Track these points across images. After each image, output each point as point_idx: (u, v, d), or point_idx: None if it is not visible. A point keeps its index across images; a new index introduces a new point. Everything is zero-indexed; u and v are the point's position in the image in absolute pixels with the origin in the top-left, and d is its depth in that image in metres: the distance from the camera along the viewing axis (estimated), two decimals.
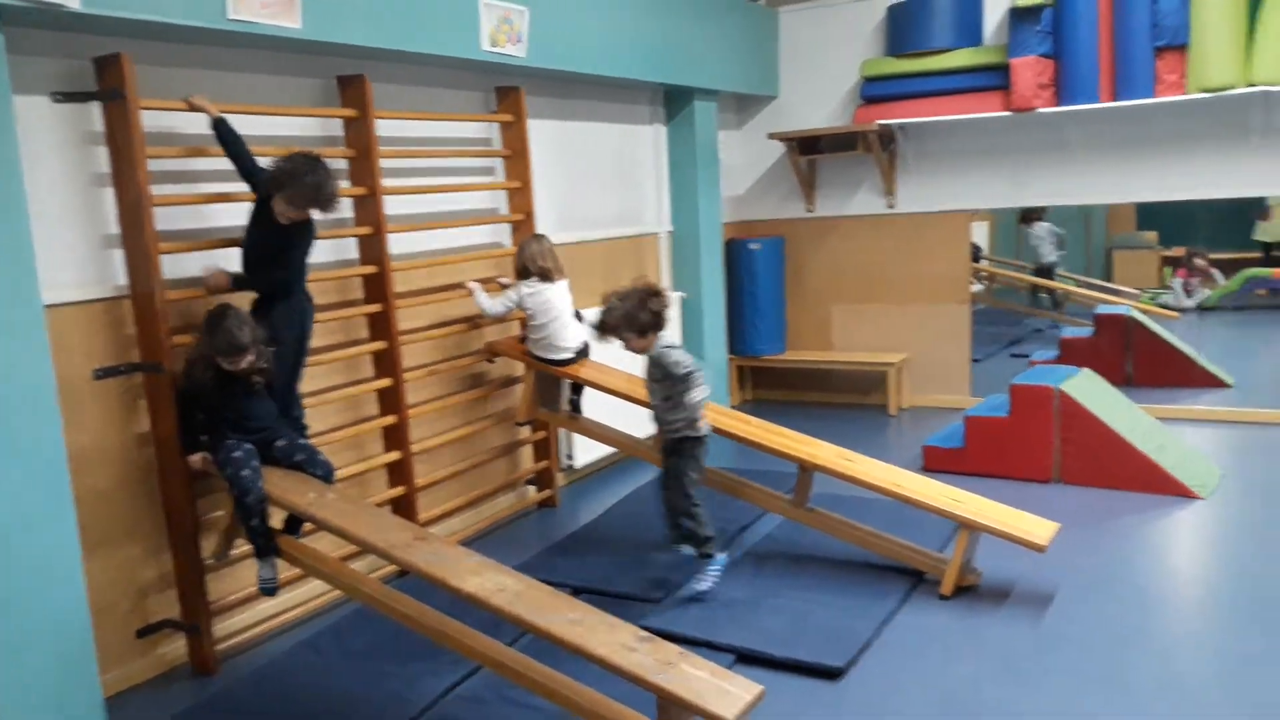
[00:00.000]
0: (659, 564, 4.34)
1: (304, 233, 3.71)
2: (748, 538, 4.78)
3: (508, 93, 5.11)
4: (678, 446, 4.02)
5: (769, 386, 7.72)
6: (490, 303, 4.74)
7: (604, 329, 4.00)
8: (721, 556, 4.07)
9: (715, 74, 6.52)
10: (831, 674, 3.41)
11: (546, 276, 4.69)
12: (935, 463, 5.63)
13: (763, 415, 4.99)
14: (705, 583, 3.99)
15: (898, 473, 4.34)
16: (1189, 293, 10.15)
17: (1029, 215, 10.20)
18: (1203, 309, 10.58)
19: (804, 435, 4.54)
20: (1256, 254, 11.71)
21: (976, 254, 10.37)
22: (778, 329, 7.47)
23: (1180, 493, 5.02)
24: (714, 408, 4.82)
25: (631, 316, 3.91)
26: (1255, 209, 11.50)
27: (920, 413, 7.07)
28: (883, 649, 3.61)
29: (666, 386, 3.98)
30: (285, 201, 3.56)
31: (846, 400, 7.48)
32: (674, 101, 6.60)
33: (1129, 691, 3.24)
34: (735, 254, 7.30)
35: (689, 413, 3.97)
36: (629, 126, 6.40)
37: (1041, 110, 6.34)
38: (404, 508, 4.49)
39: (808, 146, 7.15)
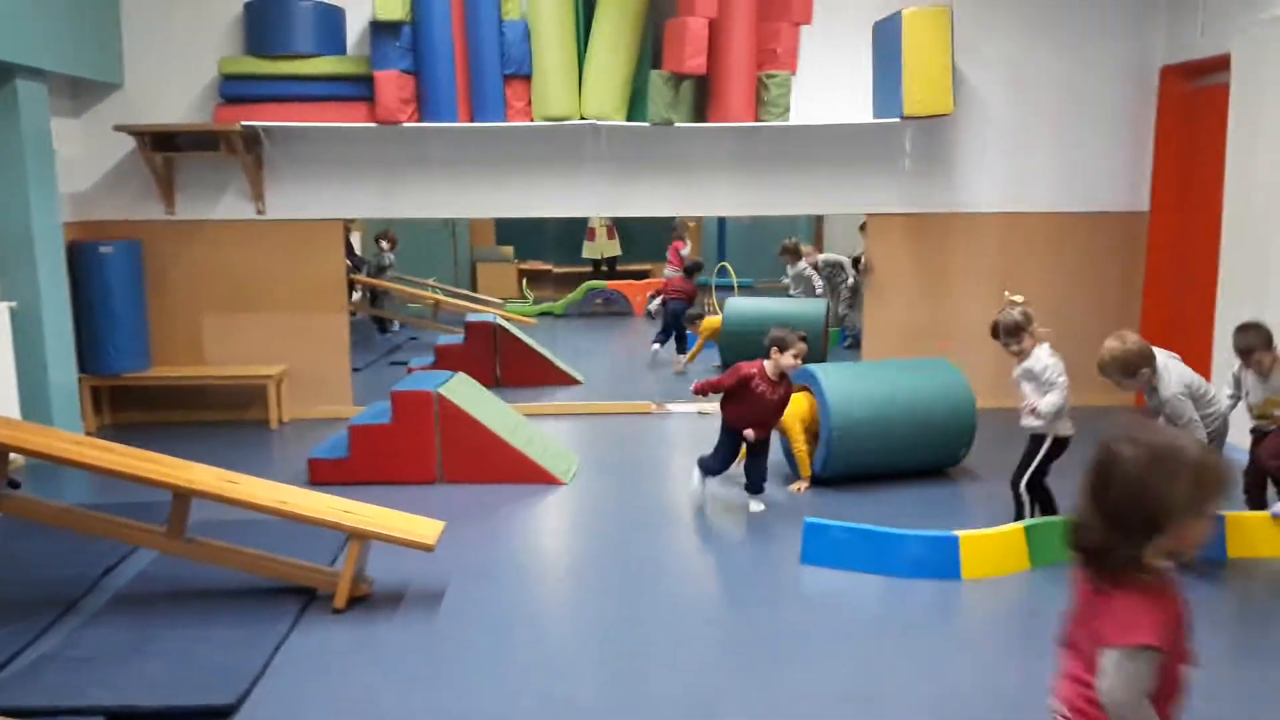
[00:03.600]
0: None
1: None
2: (114, 581, 4.19)
3: None
4: None
5: (132, 408, 6.92)
6: None
7: None
8: None
9: (40, 52, 5.64)
10: (222, 713, 3.12)
11: None
12: (321, 475, 5.51)
13: (127, 440, 4.45)
14: None
15: (283, 489, 4.14)
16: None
17: (380, 237, 10.61)
18: (554, 315, 11.87)
19: (177, 459, 4.12)
20: (590, 269, 13.50)
21: (360, 264, 10.48)
22: (139, 343, 6.72)
23: (548, 480, 5.54)
24: (65, 436, 4.17)
25: None
26: (583, 230, 13.25)
27: (303, 425, 6.87)
28: (278, 675, 3.40)
29: None
30: None
31: (223, 417, 7.00)
32: None
33: (517, 672, 3.46)
34: (81, 258, 6.41)
35: None
36: None
37: (406, 125, 6.55)
38: None
39: (162, 143, 6.55)
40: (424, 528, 4.07)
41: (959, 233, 7.17)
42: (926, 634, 3.75)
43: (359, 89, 6.54)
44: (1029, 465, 4.38)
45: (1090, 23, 6.99)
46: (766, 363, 4.83)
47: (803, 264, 9.69)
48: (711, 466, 5.05)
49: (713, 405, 7.31)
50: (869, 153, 7.01)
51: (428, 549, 3.97)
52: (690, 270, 9.70)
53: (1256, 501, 4.51)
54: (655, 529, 4.93)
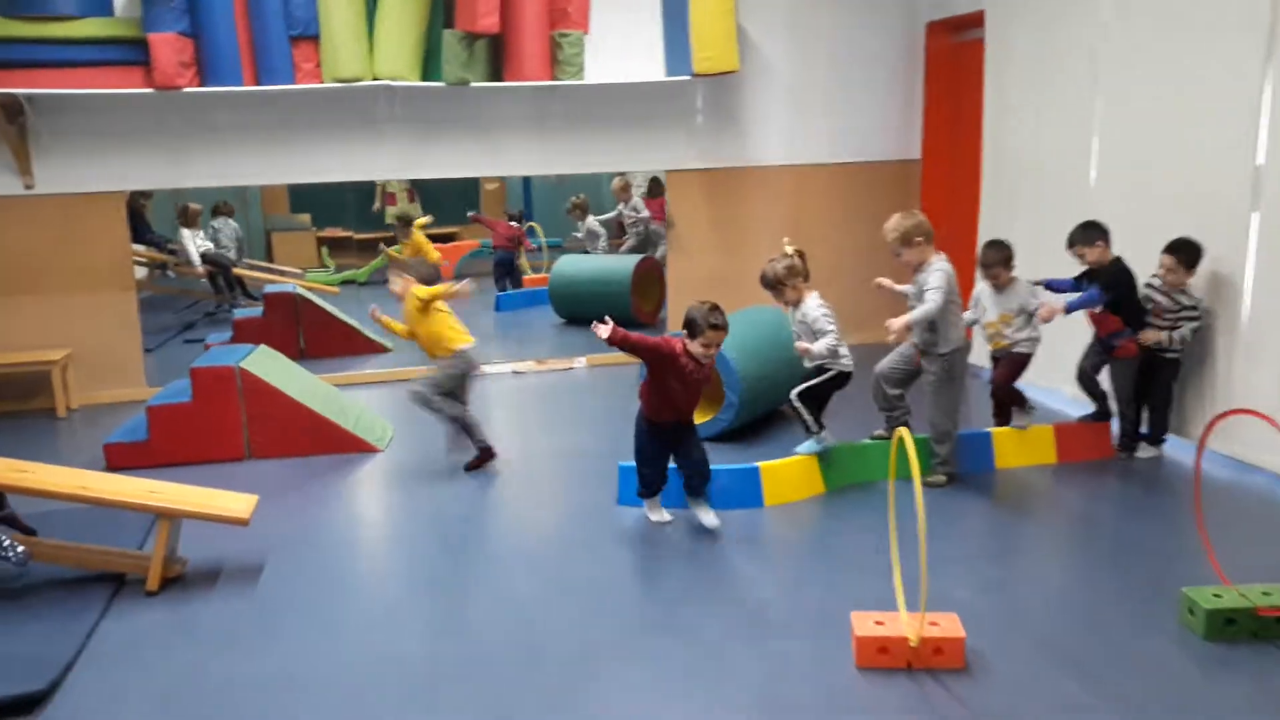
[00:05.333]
0: None
1: None
2: None
3: None
4: None
5: None
6: None
7: None
8: None
9: None
10: (33, 702, 3.03)
11: None
12: (120, 460, 5.28)
13: None
14: None
15: (83, 474, 3.99)
16: None
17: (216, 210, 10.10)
18: (358, 283, 11.63)
19: None
20: (392, 234, 13.18)
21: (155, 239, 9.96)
22: None
23: (364, 449, 5.51)
24: None
25: None
26: (386, 196, 12.96)
27: (94, 411, 6.53)
28: (93, 661, 3.31)
29: None
30: None
31: (5, 408, 6.54)
32: None
33: (344, 633, 3.50)
34: None
35: None
36: None
37: (188, 90, 6.25)
38: None
39: None
40: (236, 503, 4.01)
41: (752, 186, 7.51)
42: (734, 558, 4.02)
43: (132, 53, 6.17)
44: (806, 383, 4.63)
45: None
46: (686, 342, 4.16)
47: (590, 219, 10.37)
48: (648, 479, 4.33)
49: (529, 363, 7.44)
50: (664, 110, 7.22)
51: (242, 523, 3.92)
52: (515, 218, 10.50)
53: (1005, 419, 5.04)
54: (474, 488, 5.01)
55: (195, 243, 9.83)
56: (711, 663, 3.21)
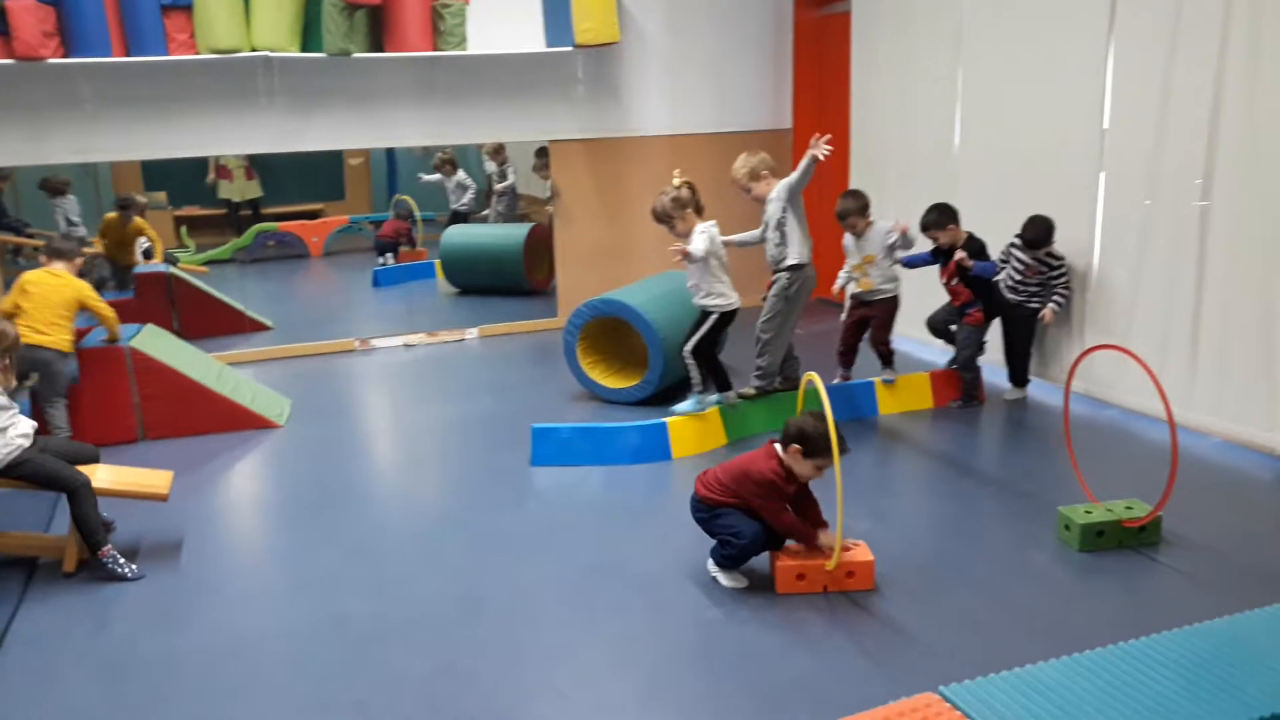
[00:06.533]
0: None
1: None
2: None
3: None
4: None
5: None
6: None
7: None
8: None
9: None
10: None
11: None
12: None
13: None
14: None
15: None
16: None
17: (55, 188, 9.55)
18: (219, 261, 11.25)
19: None
20: (248, 211, 12.71)
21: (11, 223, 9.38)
22: None
23: (262, 425, 5.47)
24: None
25: None
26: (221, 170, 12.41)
27: None
28: (20, 644, 3.26)
29: None
30: None
31: None
32: None
33: (280, 598, 3.55)
34: None
35: None
36: None
37: (51, 61, 5.99)
38: None
39: None
40: (154, 479, 3.98)
41: (633, 155, 7.69)
42: (649, 509, 4.24)
43: None
44: (694, 335, 4.81)
45: None
46: (782, 454, 3.40)
47: (460, 174, 10.60)
48: (746, 550, 3.44)
49: (419, 335, 7.46)
50: (546, 81, 7.31)
51: (161, 499, 3.90)
52: (404, 216, 10.77)
53: (847, 363, 5.42)
54: (388, 455, 5.07)
55: (137, 241, 9.39)
56: (642, 599, 3.42)
